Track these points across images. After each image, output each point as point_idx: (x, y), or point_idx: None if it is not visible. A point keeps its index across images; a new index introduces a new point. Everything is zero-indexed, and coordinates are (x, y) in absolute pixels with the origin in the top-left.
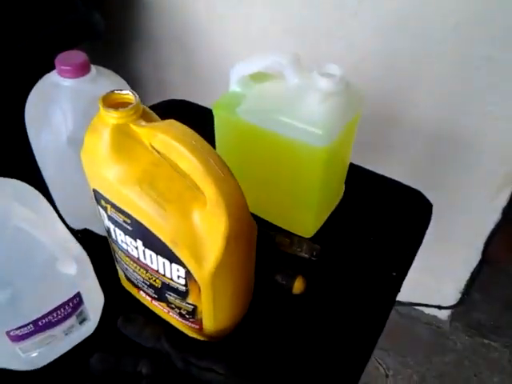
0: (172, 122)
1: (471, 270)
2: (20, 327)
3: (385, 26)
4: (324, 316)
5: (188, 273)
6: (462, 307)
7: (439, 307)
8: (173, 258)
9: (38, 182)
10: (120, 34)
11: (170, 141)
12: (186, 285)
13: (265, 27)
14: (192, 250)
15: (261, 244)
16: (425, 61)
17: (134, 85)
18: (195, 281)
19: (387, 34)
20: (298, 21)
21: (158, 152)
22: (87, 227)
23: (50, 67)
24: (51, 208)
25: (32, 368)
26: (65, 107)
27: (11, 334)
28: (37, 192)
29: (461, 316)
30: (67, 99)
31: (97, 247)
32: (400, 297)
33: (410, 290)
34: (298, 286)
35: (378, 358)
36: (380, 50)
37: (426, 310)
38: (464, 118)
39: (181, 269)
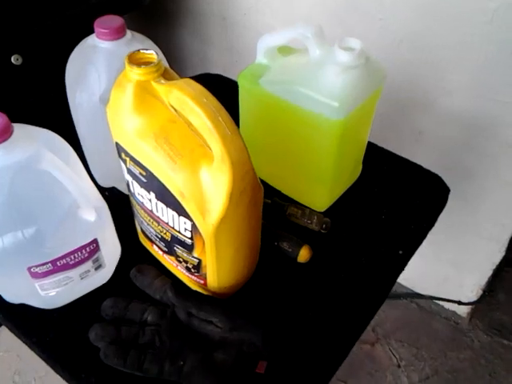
0: (187, 80)
1: (494, 267)
2: (40, 264)
3: (423, 9)
4: (326, 286)
5: (194, 226)
6: (483, 305)
7: (459, 302)
8: (181, 211)
9: (72, 138)
10: (166, 9)
11: (184, 97)
12: (191, 238)
13: (308, 8)
14: (198, 204)
15: (272, 213)
16: (461, 47)
17: (176, 57)
18: (200, 235)
19: (424, 18)
20: (340, 2)
21: (175, 109)
22: (115, 186)
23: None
24: (79, 160)
25: (49, 307)
26: (100, 68)
27: (32, 270)
28: (67, 144)
29: (481, 314)
30: (102, 60)
31: (121, 205)
32: (420, 290)
33: (431, 284)
34: (303, 254)
35: (391, 348)
36: (417, 34)
37: (446, 305)
38: (497, 107)
39: (187, 221)
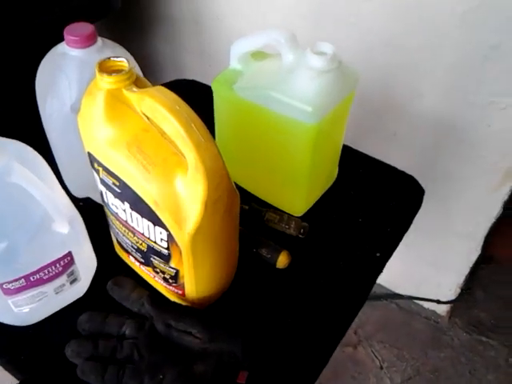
0: (160, 88)
1: (471, 265)
2: (13, 281)
3: (395, 13)
4: (306, 291)
5: (170, 236)
6: (462, 304)
7: (438, 301)
8: (156, 221)
9: (44, 148)
10: (138, 15)
11: (156, 105)
12: (168, 248)
13: (281, 13)
14: (173, 213)
15: (250, 219)
16: (432, 50)
17: (148, 64)
18: (176, 244)
19: (396, 22)
20: (312, 6)
21: (147, 117)
22: (89, 196)
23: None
24: (51, 171)
25: (23, 324)
26: (70, 76)
27: (4, 286)
28: (38, 155)
29: (460, 312)
30: (73, 68)
31: (96, 215)
32: (400, 290)
33: (409, 284)
34: (282, 260)
35: (373, 349)
36: (389, 38)
37: (426, 305)
38: (468, 108)
39: (163, 231)
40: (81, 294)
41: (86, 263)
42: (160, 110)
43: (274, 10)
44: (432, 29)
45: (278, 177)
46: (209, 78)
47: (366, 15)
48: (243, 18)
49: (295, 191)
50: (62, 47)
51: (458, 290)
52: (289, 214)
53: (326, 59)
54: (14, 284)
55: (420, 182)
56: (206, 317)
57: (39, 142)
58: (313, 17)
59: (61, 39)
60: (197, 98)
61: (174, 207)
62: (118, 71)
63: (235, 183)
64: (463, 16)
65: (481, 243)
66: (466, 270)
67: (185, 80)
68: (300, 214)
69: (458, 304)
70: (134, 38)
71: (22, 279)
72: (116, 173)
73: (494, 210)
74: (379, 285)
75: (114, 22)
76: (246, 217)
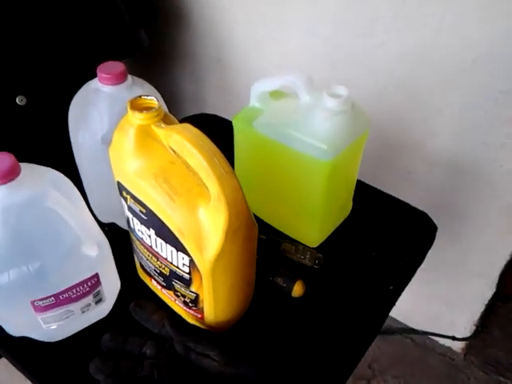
0: (186, 125)
1: (486, 302)
2: (43, 298)
3: (408, 57)
4: (320, 320)
5: (192, 261)
6: (478, 341)
7: (453, 338)
8: (179, 247)
9: (74, 177)
10: (165, 51)
11: (182, 140)
12: (189, 273)
13: (297, 52)
14: (196, 240)
15: (267, 249)
16: (444, 92)
17: (172, 98)
18: (198, 270)
19: (409, 65)
20: (328, 48)
21: (174, 151)
22: (114, 222)
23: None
24: (81, 197)
25: (50, 340)
26: (102, 110)
27: (35, 304)
28: (70, 182)
29: (477, 350)
30: (104, 103)
31: (120, 240)
32: (415, 325)
33: (424, 319)
34: (297, 289)
35: None
36: (402, 80)
37: (441, 341)
38: (481, 149)
39: (185, 257)
40: (104, 314)
41: (111, 285)
42: (186, 144)
43: (291, 50)
44: (443, 73)
45: (294, 209)
46: (228, 112)
47: (379, 58)
48: (262, 58)
49: (310, 223)
50: (94, 83)
51: (474, 328)
52: (304, 245)
53: (340, 101)
54: (44, 301)
55: (434, 219)
56: (223, 341)
57: (69, 169)
58: (328, 58)
59: (92, 73)
60: (217, 131)
61: (197, 235)
62: (148, 108)
63: (254, 214)
64: (473, 62)
65: (495, 281)
66: (480, 308)
67: (206, 114)
68: (315, 245)
69: (473, 342)
70: (158, 73)
71: (52, 297)
72: (143, 201)
73: (508, 249)
74: (394, 319)
75: (139, 57)
76: (263, 246)
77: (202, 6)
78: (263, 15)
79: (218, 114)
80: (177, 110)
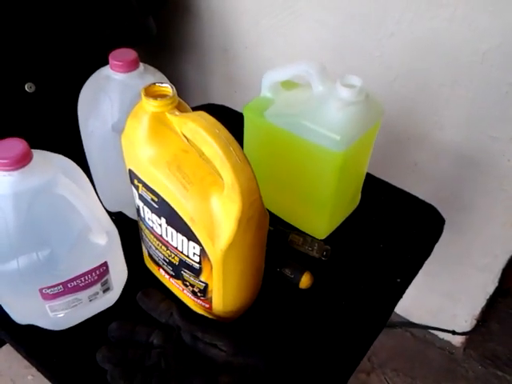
0: (201, 113)
1: (487, 297)
2: (51, 286)
3: (418, 49)
4: (327, 312)
5: (202, 250)
6: (477, 336)
7: (453, 332)
8: (190, 236)
9: (82, 164)
10: (172, 40)
11: (197, 128)
12: (199, 262)
13: (306, 42)
14: (207, 229)
15: (275, 240)
16: (453, 84)
17: (178, 88)
18: (208, 259)
19: (419, 56)
20: (337, 38)
21: (187, 139)
22: (122, 211)
23: (106, 63)
24: (91, 185)
25: (57, 328)
26: (113, 98)
27: (43, 291)
28: (79, 169)
29: (476, 344)
30: (116, 91)
31: (128, 229)
32: (415, 319)
33: (425, 313)
34: (305, 280)
35: (387, 377)
36: (411, 71)
37: (441, 335)
38: (489, 142)
39: (196, 246)
40: (112, 303)
41: (119, 274)
42: (201, 132)
43: (300, 41)
44: (453, 64)
45: (303, 200)
46: (234, 102)
47: (389, 49)
48: (270, 48)
49: (319, 215)
50: (106, 70)
51: (474, 322)
52: (312, 237)
53: (354, 91)
54: (52, 289)
55: (440, 211)
56: (231, 331)
57: (78, 157)
58: (338, 48)
59: (102, 61)
60: (225, 121)
61: (209, 224)
62: (163, 96)
63: None
64: (484, 54)
65: (498, 276)
66: (482, 302)
67: (214, 105)
68: (323, 237)
69: (473, 336)
70: (164, 62)
71: (60, 285)
72: (155, 189)
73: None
74: (394, 313)
75: (146, 46)
76: (271, 237)
77: None
78: (271, 4)
79: (225, 105)
80: (184, 100)
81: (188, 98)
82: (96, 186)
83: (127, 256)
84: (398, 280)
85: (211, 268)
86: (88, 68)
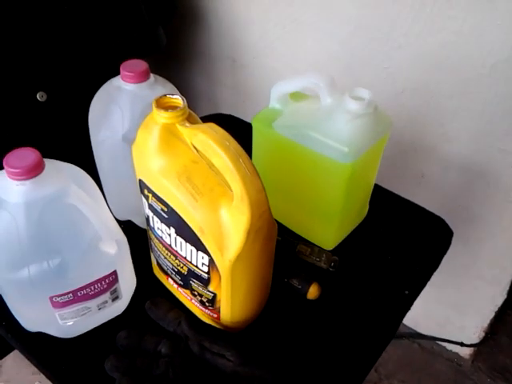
0: (211, 124)
1: (496, 309)
2: (62, 294)
3: (426, 61)
4: (334, 323)
5: (211, 261)
6: (486, 348)
7: (461, 344)
8: (199, 246)
9: (92, 173)
10: (180, 50)
11: (207, 140)
12: (208, 272)
13: (313, 53)
14: (216, 240)
15: (282, 250)
16: (461, 96)
17: (186, 97)
18: (217, 270)
19: (427, 68)
20: (345, 50)
21: (198, 150)
22: (131, 219)
23: (117, 73)
24: (101, 194)
25: (66, 336)
26: (124, 108)
27: (53, 300)
28: (90, 178)
29: (484, 357)
30: (126, 101)
31: (136, 238)
32: (423, 330)
33: (432, 324)
34: (312, 291)
35: None
36: (419, 83)
37: (449, 346)
38: (496, 154)
39: (205, 256)
40: (120, 312)
41: (127, 282)
42: (211, 144)
43: (307, 51)
44: (461, 77)
45: (311, 211)
46: (242, 112)
47: (397, 61)
48: (278, 59)
49: (327, 226)
50: (117, 81)
51: (483, 334)
52: (320, 247)
53: (363, 104)
54: (62, 298)
55: (447, 222)
56: (239, 341)
57: (88, 166)
58: (345, 60)
59: (113, 71)
60: (234, 131)
61: (218, 234)
62: (173, 107)
63: None
64: (492, 67)
65: (506, 288)
66: (490, 314)
67: (222, 114)
68: (331, 248)
69: (481, 348)
70: (173, 72)
71: (70, 294)
72: (165, 199)
73: None
74: (402, 323)
75: (155, 56)
76: (278, 248)
77: (218, 5)
78: (279, 15)
79: (233, 114)
80: (193, 110)
81: (197, 108)
82: (106, 195)
83: (136, 264)
84: (406, 292)
85: (220, 278)
86: (99, 78)
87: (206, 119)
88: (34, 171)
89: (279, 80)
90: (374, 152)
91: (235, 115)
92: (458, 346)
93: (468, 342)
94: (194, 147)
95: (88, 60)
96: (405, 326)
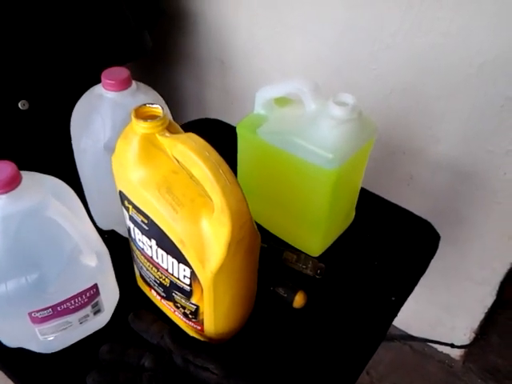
0: (191, 134)
1: (486, 310)
2: (41, 310)
3: (414, 61)
4: (321, 331)
5: (193, 273)
6: (477, 349)
7: (452, 345)
8: (180, 258)
9: (74, 183)
10: (167, 54)
11: (187, 150)
12: (190, 285)
13: (301, 55)
14: (197, 252)
15: (268, 258)
16: (449, 98)
17: (175, 101)
18: (199, 282)
19: (415, 69)
20: (333, 51)
21: (178, 161)
22: (114, 229)
23: (100, 80)
24: (82, 206)
25: (47, 351)
26: (105, 116)
27: (33, 315)
28: (71, 190)
29: (475, 358)
30: (108, 109)
31: (120, 248)
32: (414, 332)
33: (423, 326)
34: (298, 300)
35: None
36: (407, 85)
37: (440, 348)
38: (485, 155)
39: (187, 269)
40: (103, 325)
41: (110, 295)
42: (191, 155)
43: (296, 53)
44: (449, 78)
45: (296, 218)
46: (231, 114)
47: (385, 62)
48: (266, 61)
49: (313, 232)
50: (98, 89)
51: (473, 335)
52: (306, 254)
53: (347, 109)
54: (41, 313)
55: (435, 225)
56: (223, 353)
57: (70, 176)
58: (333, 62)
59: (95, 79)
60: (220, 137)
61: (199, 246)
62: (153, 117)
63: (255, 222)
64: (480, 67)
65: (496, 288)
66: (481, 315)
67: (209, 119)
68: (317, 255)
69: (472, 349)
70: (160, 75)
71: (50, 309)
72: (145, 211)
73: (510, 256)
74: (393, 326)
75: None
76: (264, 255)
77: (206, 8)
78: (267, 18)
79: (221, 116)
80: (180, 112)
81: (185, 110)
82: (89, 204)
83: (119, 275)
84: (393, 298)
85: (202, 291)
86: (82, 85)
87: (192, 125)
88: (10, 185)
89: (268, 82)
90: (359, 157)
91: (224, 117)
92: (449, 348)
93: (459, 344)
94: (175, 157)
95: (71, 67)
96: (396, 328)
